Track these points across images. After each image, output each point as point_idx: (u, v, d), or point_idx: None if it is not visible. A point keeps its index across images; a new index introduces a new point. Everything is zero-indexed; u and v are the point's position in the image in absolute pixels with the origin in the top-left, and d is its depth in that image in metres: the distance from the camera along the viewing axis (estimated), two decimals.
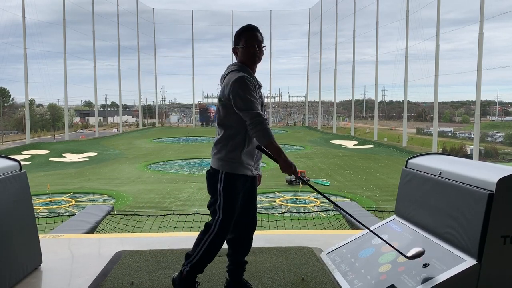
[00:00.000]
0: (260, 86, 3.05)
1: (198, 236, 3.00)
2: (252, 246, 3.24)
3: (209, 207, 3.03)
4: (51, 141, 55.68)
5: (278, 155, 2.76)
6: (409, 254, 2.79)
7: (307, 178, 26.55)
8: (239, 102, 2.79)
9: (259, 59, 3.03)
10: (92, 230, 6.23)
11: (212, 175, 2.98)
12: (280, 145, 2.78)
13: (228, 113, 2.89)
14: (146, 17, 74.80)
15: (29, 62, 54.66)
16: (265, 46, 3.04)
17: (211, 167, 3.00)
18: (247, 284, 3.20)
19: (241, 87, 2.80)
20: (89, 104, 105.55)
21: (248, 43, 2.97)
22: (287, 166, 2.77)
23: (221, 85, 3.03)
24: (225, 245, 3.05)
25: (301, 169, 32.79)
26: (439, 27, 40.56)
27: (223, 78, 3.01)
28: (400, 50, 48.69)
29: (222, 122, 2.94)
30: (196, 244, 2.97)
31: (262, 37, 3.03)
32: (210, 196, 3.04)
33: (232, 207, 2.92)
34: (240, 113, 2.81)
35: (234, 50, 3.05)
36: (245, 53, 2.97)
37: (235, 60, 3.14)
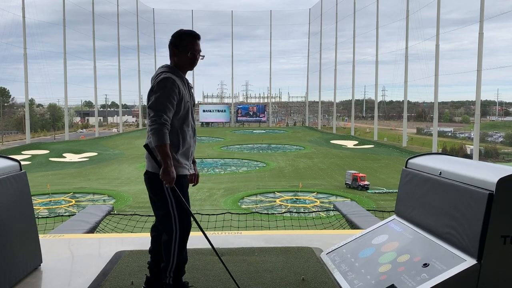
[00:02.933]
0: (190, 87, 3.07)
1: (164, 244, 2.96)
2: (252, 246, 3.24)
3: (156, 210, 3.01)
4: (51, 141, 55.70)
5: (163, 161, 2.74)
6: None
7: (367, 183, 25.95)
8: (152, 100, 2.79)
9: (194, 66, 3.06)
10: (92, 230, 6.22)
11: (152, 179, 2.93)
12: (170, 155, 2.76)
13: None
14: (147, 17, 74.87)
15: (30, 62, 54.79)
16: (204, 56, 3.06)
17: (148, 171, 2.96)
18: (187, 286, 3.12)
19: (162, 88, 2.80)
20: (89, 104, 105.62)
21: (192, 49, 2.97)
22: (166, 174, 2.75)
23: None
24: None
25: (302, 169, 32.80)
26: (439, 27, 40.61)
27: (152, 79, 2.98)
28: (400, 50, 48.75)
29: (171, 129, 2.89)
30: (167, 253, 2.94)
31: None
32: (152, 200, 3.01)
33: (184, 204, 2.91)
34: (147, 110, 2.82)
35: (173, 50, 2.99)
36: (185, 58, 2.96)
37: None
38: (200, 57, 3.04)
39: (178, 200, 2.90)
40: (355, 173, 26.85)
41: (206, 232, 3.14)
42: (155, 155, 2.83)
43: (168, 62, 3.05)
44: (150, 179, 2.96)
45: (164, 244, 2.97)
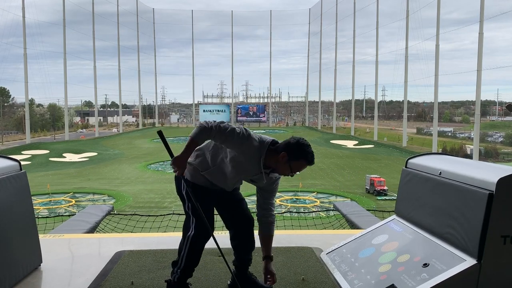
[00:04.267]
0: (266, 174, 2.96)
1: (180, 242, 3.08)
2: None
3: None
4: (51, 141, 55.69)
5: (183, 149, 2.74)
6: None
7: (385, 188, 24.44)
8: (230, 125, 2.85)
9: (279, 173, 2.99)
10: (92, 230, 6.22)
11: (176, 177, 3.04)
12: (190, 150, 2.77)
13: (217, 148, 3.01)
14: (147, 17, 74.86)
15: (30, 62, 54.74)
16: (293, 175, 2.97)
17: None
18: (251, 276, 3.27)
19: (236, 132, 2.80)
20: (89, 104, 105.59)
21: (295, 169, 2.88)
22: (177, 159, 2.74)
23: None
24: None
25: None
26: (439, 27, 40.61)
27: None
28: (401, 50, 48.75)
29: (210, 151, 3.02)
30: (180, 248, 3.05)
31: None
32: (180, 197, 3.12)
33: (200, 210, 2.93)
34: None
35: (282, 146, 2.87)
36: (284, 166, 2.86)
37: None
38: (290, 174, 2.94)
39: (193, 205, 2.95)
40: (372, 177, 25.47)
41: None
42: (167, 143, 2.87)
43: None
44: (175, 177, 3.06)
45: (180, 243, 3.07)
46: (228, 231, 3.31)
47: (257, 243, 3.46)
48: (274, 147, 2.90)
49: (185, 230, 3.05)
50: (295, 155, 2.83)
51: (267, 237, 3.19)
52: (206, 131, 2.75)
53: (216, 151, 3.01)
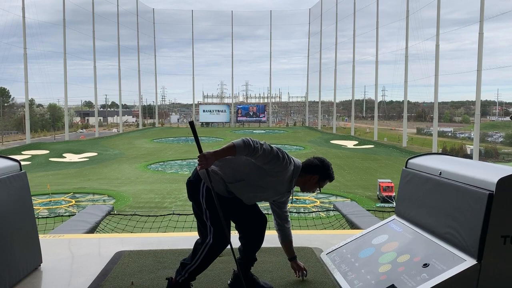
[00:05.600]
0: (289, 192, 3.20)
1: (196, 243, 3.08)
2: None
3: (196, 214, 3.09)
4: (51, 141, 55.68)
5: (219, 150, 2.79)
6: None
7: (391, 195, 22.61)
8: (272, 150, 2.93)
9: (304, 191, 3.27)
10: (92, 230, 6.22)
11: (193, 182, 3.03)
12: (227, 155, 2.82)
13: (252, 166, 2.97)
14: (148, 17, 74.87)
15: (31, 62, 54.76)
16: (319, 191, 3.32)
17: (196, 170, 3.03)
18: (253, 277, 3.27)
19: (277, 155, 2.92)
20: (89, 104, 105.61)
21: (321, 187, 3.22)
22: (205, 158, 2.74)
23: None
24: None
25: None
26: (439, 27, 40.59)
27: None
28: (401, 50, 48.73)
29: (245, 166, 3.01)
30: (195, 252, 3.04)
31: None
32: (191, 201, 3.09)
33: (219, 217, 2.94)
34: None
35: (312, 169, 3.15)
36: (310, 184, 3.18)
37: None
38: (316, 191, 3.29)
39: (212, 212, 2.95)
40: (381, 181, 23.92)
41: None
42: (196, 135, 2.86)
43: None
44: (190, 181, 3.07)
45: (195, 245, 3.07)
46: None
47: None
48: (304, 170, 3.16)
49: (203, 236, 3.05)
50: (324, 176, 3.18)
51: (289, 243, 3.46)
52: (250, 148, 2.80)
53: (249, 168, 2.98)
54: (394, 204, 19.88)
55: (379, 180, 24.63)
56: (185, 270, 3.03)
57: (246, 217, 3.18)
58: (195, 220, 3.18)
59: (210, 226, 2.99)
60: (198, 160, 2.76)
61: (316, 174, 3.15)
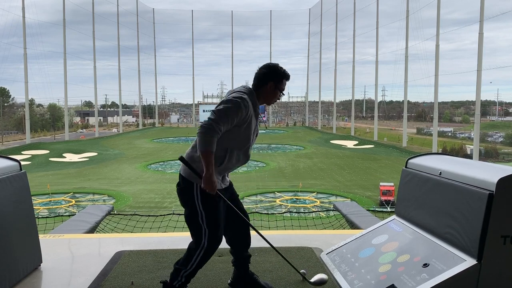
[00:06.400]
0: (257, 115, 3.05)
1: (189, 247, 2.99)
2: (252, 246, 3.25)
3: (186, 218, 2.99)
4: (51, 141, 55.69)
5: (206, 168, 2.73)
6: (312, 280, 3.20)
7: (390, 199, 21.91)
8: (219, 107, 2.80)
9: (270, 103, 3.14)
10: (92, 230, 6.22)
11: (185, 188, 2.93)
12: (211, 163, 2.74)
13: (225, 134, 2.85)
14: (148, 17, 74.89)
15: (31, 62, 54.81)
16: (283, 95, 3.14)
17: (183, 176, 2.94)
18: (253, 276, 3.25)
19: (232, 103, 2.80)
20: (89, 104, 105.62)
21: (282, 89, 3.06)
22: (208, 182, 2.74)
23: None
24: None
25: (302, 169, 32.76)
26: (439, 27, 40.60)
27: (230, 93, 3.03)
28: (401, 50, 48.75)
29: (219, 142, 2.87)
30: (189, 256, 2.96)
31: None
32: (185, 207, 3.00)
33: (216, 218, 2.92)
34: (210, 111, 2.84)
35: (263, 80, 3.01)
36: (271, 94, 3.04)
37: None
38: (280, 96, 3.11)
39: (209, 214, 2.89)
40: (382, 185, 23.21)
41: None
42: (191, 166, 2.82)
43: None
44: (182, 189, 2.95)
45: (189, 249, 2.98)
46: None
47: (257, 244, 3.46)
48: (256, 88, 3.02)
49: (197, 239, 2.95)
50: (278, 78, 3.03)
51: None
52: (210, 133, 2.70)
53: (223, 138, 2.85)
54: (388, 209, 19.65)
55: (381, 183, 24.05)
56: (181, 275, 2.97)
57: (230, 214, 3.12)
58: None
59: (205, 229, 2.91)
60: (205, 188, 2.76)
61: (270, 80, 3.00)
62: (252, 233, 3.23)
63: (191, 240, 3.02)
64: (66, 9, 55.05)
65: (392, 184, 23.48)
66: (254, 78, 3.05)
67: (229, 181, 3.15)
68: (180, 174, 2.98)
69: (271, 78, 3.01)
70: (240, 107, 2.81)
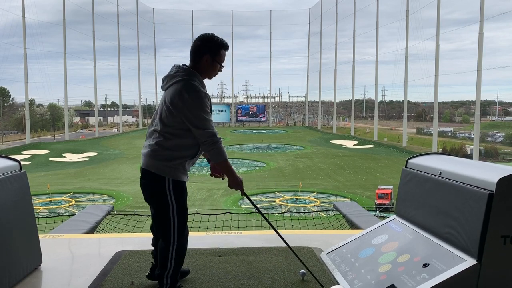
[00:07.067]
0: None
1: (161, 251, 2.94)
2: (252, 246, 3.25)
3: (156, 213, 2.97)
4: (51, 141, 55.69)
5: (229, 173, 2.87)
6: None
7: (385, 203, 21.48)
8: (196, 121, 2.75)
9: (211, 76, 2.99)
10: (92, 230, 6.21)
11: (156, 181, 2.87)
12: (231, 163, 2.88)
13: (177, 121, 2.79)
14: (148, 17, 74.90)
15: (31, 62, 54.82)
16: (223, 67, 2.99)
17: (150, 171, 2.88)
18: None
19: (197, 107, 2.74)
20: (89, 104, 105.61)
21: (220, 61, 2.91)
22: (235, 183, 2.91)
23: (166, 84, 2.91)
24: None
25: (302, 169, 32.75)
26: (439, 27, 40.62)
27: (171, 79, 2.88)
28: (401, 50, 48.76)
29: (169, 127, 2.83)
30: (164, 257, 2.91)
31: None
32: (152, 204, 2.97)
33: (185, 210, 2.94)
34: (195, 131, 2.77)
35: (198, 54, 2.85)
36: (210, 66, 2.89)
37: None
38: (221, 69, 2.98)
39: (180, 207, 2.88)
40: (380, 188, 22.70)
41: (207, 231, 3.17)
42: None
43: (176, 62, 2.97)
44: (151, 184, 2.90)
45: (161, 250, 2.94)
46: (225, 232, 3.31)
47: (257, 244, 3.46)
48: (194, 63, 2.88)
49: (166, 239, 2.89)
50: (214, 49, 2.85)
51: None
52: (218, 144, 2.78)
53: (186, 129, 2.81)
54: (378, 213, 19.33)
55: (380, 186, 23.47)
56: (165, 279, 2.94)
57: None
58: (195, 220, 3.17)
59: (175, 223, 2.85)
60: (234, 188, 2.91)
61: (205, 53, 2.83)
62: (255, 232, 3.24)
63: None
64: (66, 9, 55.14)
65: (390, 187, 22.99)
66: (190, 52, 2.88)
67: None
68: (144, 168, 2.93)
69: (205, 51, 2.84)
70: (205, 101, 2.78)
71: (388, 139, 54.77)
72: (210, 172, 3.10)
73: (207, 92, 2.89)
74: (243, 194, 3.01)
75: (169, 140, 2.84)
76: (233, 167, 2.88)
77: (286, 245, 3.23)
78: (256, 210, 3.25)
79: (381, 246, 3.40)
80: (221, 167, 2.88)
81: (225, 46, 2.90)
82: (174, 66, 2.94)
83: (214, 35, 2.88)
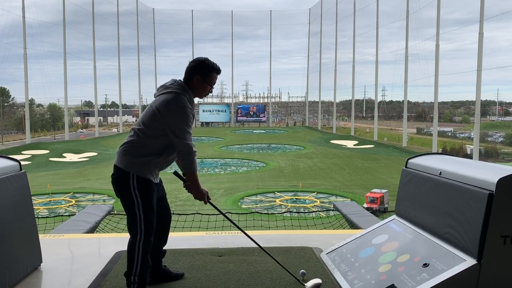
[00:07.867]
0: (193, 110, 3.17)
1: (128, 250, 3.03)
2: (252, 246, 3.25)
3: (124, 209, 3.08)
4: (51, 141, 55.69)
5: (194, 184, 3.07)
6: (308, 285, 3.21)
7: (375, 207, 20.53)
8: (177, 131, 2.93)
9: (202, 96, 3.19)
10: (92, 230, 6.21)
11: (121, 178, 3.03)
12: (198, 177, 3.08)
13: (157, 127, 2.97)
14: (148, 17, 74.85)
15: (31, 62, 54.83)
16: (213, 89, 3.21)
17: (118, 166, 3.05)
18: (166, 269, 3.38)
19: (181, 119, 2.93)
20: (89, 104, 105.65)
21: (211, 83, 3.12)
22: (199, 195, 3.13)
23: (159, 92, 3.09)
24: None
25: (302, 169, 32.76)
26: (439, 27, 40.59)
27: (164, 89, 3.06)
28: (401, 50, 48.72)
29: (148, 129, 3.00)
30: (131, 255, 2.99)
31: None
32: (120, 200, 3.09)
33: (151, 205, 3.02)
34: (174, 139, 2.95)
35: (191, 73, 3.08)
36: (201, 87, 3.10)
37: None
38: (210, 90, 3.19)
39: (145, 203, 2.98)
40: (371, 192, 22.08)
41: (207, 231, 3.18)
42: (183, 179, 3.12)
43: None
44: (118, 179, 3.06)
45: (128, 251, 3.02)
46: (225, 232, 3.33)
47: (255, 244, 3.46)
48: (186, 82, 3.09)
49: (133, 233, 3.00)
50: (205, 71, 3.09)
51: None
52: (191, 156, 2.96)
53: (162, 134, 2.98)
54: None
55: (372, 190, 22.66)
56: (132, 277, 2.99)
57: (158, 204, 3.22)
58: (195, 220, 3.20)
59: (141, 217, 2.96)
60: (198, 199, 3.11)
61: (196, 74, 3.07)
62: (255, 232, 3.26)
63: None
64: (66, 9, 55.11)
65: (383, 191, 22.23)
66: (185, 71, 3.12)
67: (160, 178, 3.28)
68: (115, 165, 3.08)
69: (197, 72, 3.07)
70: (189, 116, 2.96)
71: (388, 139, 54.75)
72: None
73: (193, 108, 3.07)
74: (206, 203, 3.19)
75: (141, 139, 3.01)
76: (199, 180, 3.07)
77: (257, 245, 3.40)
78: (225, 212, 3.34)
79: (381, 246, 3.40)
80: (188, 177, 3.05)
81: (216, 70, 3.13)
82: (171, 79, 3.16)
83: (207, 59, 3.13)
